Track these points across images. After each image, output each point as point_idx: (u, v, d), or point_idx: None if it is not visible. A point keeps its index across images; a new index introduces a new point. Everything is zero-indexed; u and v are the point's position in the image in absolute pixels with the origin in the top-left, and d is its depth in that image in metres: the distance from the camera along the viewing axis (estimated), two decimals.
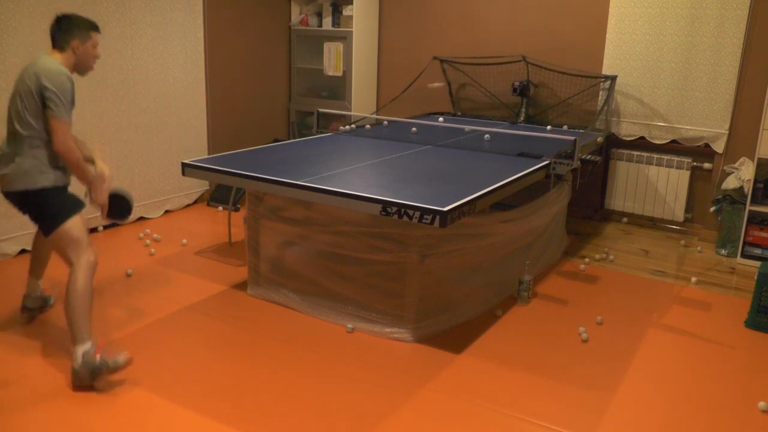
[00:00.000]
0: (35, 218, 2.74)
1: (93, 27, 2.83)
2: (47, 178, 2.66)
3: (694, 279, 4.02)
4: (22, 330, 3.05)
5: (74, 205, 2.72)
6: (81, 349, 2.57)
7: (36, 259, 3.18)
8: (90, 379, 2.55)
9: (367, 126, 4.75)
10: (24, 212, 2.77)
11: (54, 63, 2.65)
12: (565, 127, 4.93)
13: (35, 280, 3.19)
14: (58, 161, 2.69)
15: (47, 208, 2.68)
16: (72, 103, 2.66)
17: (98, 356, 2.58)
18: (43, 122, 2.62)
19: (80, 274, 2.62)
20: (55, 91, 2.58)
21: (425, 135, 4.46)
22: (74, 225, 2.66)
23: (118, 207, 2.98)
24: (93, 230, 4.47)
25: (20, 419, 2.38)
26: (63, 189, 2.75)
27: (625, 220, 5.13)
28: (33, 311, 3.18)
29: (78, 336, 2.58)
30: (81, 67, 2.79)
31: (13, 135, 2.67)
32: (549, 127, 4.86)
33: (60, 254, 2.69)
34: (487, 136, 4.41)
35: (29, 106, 2.61)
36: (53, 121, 2.59)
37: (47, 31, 3.91)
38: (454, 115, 5.52)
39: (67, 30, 2.73)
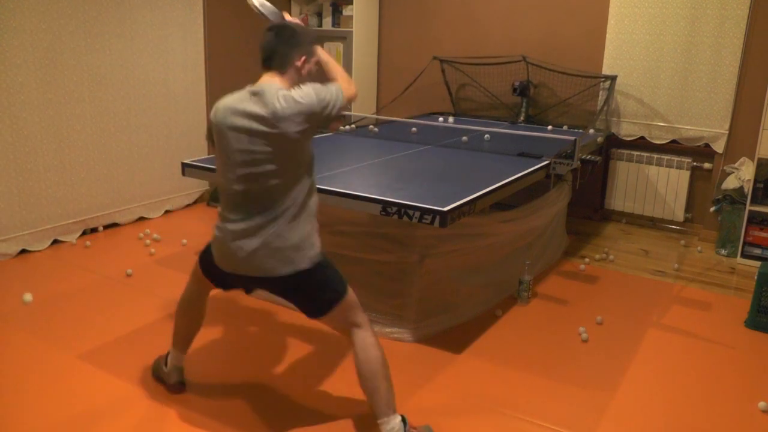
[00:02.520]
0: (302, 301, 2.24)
1: (317, 39, 2.36)
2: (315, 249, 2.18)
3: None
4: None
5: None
6: (395, 421, 2.19)
7: (189, 322, 2.56)
8: None
9: (371, 126, 4.75)
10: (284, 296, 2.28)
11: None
12: (564, 127, 4.93)
13: (181, 354, 2.58)
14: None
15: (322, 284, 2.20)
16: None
17: (417, 426, 2.27)
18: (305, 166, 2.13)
19: (371, 334, 2.25)
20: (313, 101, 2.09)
21: (425, 135, 4.46)
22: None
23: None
24: (93, 230, 4.47)
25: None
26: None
27: (624, 221, 5.13)
28: (184, 384, 2.59)
29: (389, 407, 2.19)
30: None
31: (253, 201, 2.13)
32: (549, 127, 4.87)
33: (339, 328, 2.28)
34: (487, 136, 4.41)
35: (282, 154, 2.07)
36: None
37: (47, 31, 3.97)
38: (453, 115, 5.52)
39: (292, 46, 2.18)
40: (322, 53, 2.37)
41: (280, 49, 2.17)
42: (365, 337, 2.22)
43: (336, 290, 2.20)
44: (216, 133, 2.20)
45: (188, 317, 2.54)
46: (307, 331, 3.13)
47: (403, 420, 2.21)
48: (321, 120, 2.12)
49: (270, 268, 2.14)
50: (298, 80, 2.20)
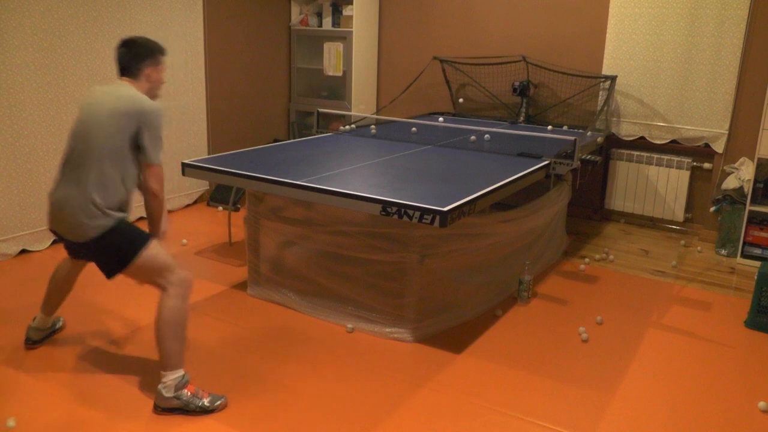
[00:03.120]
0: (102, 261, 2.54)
1: (163, 50, 2.65)
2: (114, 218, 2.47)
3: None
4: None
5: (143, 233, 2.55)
6: (174, 376, 2.43)
7: (55, 293, 2.89)
8: (178, 411, 2.43)
9: (372, 127, 4.75)
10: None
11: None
12: (565, 128, 4.93)
13: (46, 317, 2.90)
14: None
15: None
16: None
17: (193, 391, 2.46)
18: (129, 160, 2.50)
19: (173, 294, 2.45)
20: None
21: (425, 135, 4.46)
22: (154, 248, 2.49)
23: None
24: None
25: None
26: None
27: (622, 220, 5.13)
28: (38, 343, 2.91)
29: (173, 363, 2.43)
30: (153, 95, 2.63)
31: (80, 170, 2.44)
32: (549, 127, 4.87)
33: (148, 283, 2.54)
34: (487, 136, 4.41)
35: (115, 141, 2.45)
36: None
37: (48, 31, 3.96)
38: (453, 115, 5.53)
39: (135, 56, 2.54)
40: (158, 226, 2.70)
41: (132, 60, 2.54)
42: (164, 299, 2.44)
43: (125, 255, 2.46)
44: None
45: (56, 285, 2.88)
46: (307, 331, 3.14)
47: (186, 379, 2.46)
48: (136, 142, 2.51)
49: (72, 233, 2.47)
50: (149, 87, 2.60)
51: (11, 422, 2.34)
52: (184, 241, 4.34)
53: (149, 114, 2.47)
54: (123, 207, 2.54)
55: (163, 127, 2.54)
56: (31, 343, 2.89)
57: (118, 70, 2.57)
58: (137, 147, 2.50)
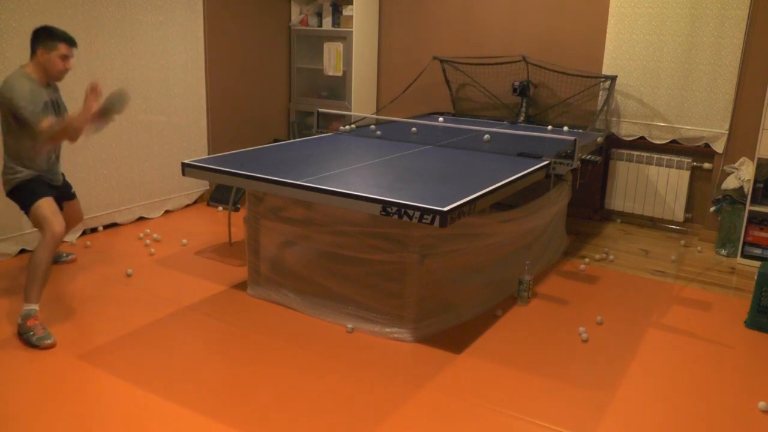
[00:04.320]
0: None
1: (63, 39, 3.11)
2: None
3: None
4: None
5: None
6: (27, 307, 2.97)
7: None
8: (21, 335, 2.94)
9: (372, 126, 4.75)
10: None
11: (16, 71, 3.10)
12: (565, 128, 4.92)
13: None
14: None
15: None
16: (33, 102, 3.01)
17: (32, 324, 2.92)
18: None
19: (50, 241, 3.03)
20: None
21: (425, 135, 4.46)
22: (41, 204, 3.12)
23: (111, 105, 3.14)
24: (93, 230, 4.47)
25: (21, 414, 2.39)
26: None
27: (618, 220, 5.13)
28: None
29: (28, 296, 2.99)
30: (50, 75, 3.15)
31: None
32: (549, 127, 4.87)
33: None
34: (486, 136, 4.40)
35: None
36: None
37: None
38: (453, 115, 5.52)
39: (33, 39, 3.10)
40: (77, 120, 3.05)
41: (31, 42, 3.10)
42: (39, 243, 3.04)
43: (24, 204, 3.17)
44: None
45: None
46: (307, 331, 3.14)
47: (34, 311, 2.98)
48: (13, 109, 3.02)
49: None
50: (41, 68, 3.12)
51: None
52: (184, 241, 4.34)
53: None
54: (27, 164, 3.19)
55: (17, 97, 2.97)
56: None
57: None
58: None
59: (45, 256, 2.99)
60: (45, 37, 3.09)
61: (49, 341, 2.88)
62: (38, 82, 3.10)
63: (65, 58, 3.13)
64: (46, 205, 3.12)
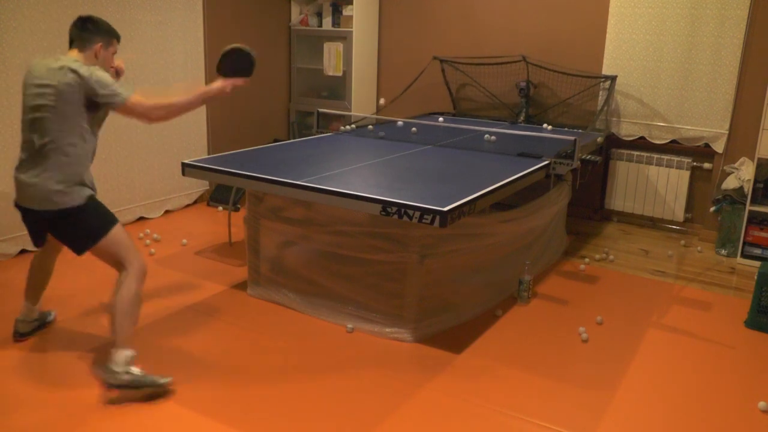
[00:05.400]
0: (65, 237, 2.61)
1: (118, 35, 2.77)
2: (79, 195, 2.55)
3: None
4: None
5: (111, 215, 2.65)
6: (126, 353, 2.51)
7: (35, 280, 2.96)
8: (127, 387, 2.48)
9: (370, 126, 4.75)
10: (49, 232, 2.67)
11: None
12: (548, 127, 4.93)
13: (31, 305, 2.96)
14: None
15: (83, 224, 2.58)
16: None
17: (139, 368, 2.52)
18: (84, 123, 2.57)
19: (132, 278, 2.57)
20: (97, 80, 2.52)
21: (425, 135, 4.46)
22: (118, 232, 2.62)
23: (238, 64, 2.94)
24: None
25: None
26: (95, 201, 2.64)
27: (622, 221, 5.13)
28: (27, 335, 2.95)
29: (124, 340, 2.53)
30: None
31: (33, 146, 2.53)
32: (549, 127, 4.86)
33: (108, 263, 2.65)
34: (486, 136, 4.40)
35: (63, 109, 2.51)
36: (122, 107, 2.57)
37: (47, 31, 3.96)
38: (453, 115, 5.52)
39: (90, 29, 2.67)
40: (211, 87, 2.84)
41: (85, 33, 2.66)
42: (123, 279, 2.57)
43: (92, 233, 2.56)
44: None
45: (35, 273, 2.94)
46: (307, 331, 3.14)
47: (134, 355, 2.54)
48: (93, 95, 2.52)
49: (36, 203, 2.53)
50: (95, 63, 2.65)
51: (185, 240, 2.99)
52: (184, 241, 4.34)
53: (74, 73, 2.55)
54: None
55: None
56: (19, 335, 2.92)
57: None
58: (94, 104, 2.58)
59: (137, 290, 2.57)
60: (106, 29, 2.69)
61: (169, 379, 2.56)
62: None
63: (115, 54, 2.78)
64: (123, 233, 2.64)
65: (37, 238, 2.73)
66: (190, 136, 5.11)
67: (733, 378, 2.85)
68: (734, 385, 2.79)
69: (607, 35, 4.87)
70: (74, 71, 2.50)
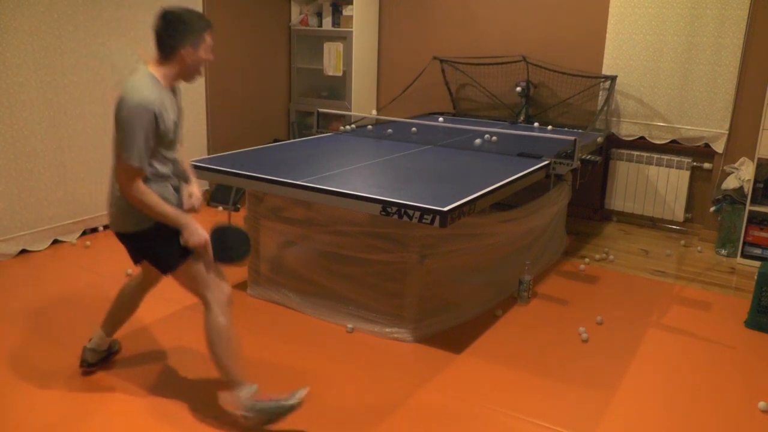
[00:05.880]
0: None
1: (209, 24, 2.31)
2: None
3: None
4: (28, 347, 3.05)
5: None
6: (240, 394, 2.31)
7: (119, 313, 2.69)
8: (267, 423, 2.32)
9: (369, 126, 4.75)
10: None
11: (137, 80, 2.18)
12: (565, 129, 4.93)
13: (105, 336, 2.69)
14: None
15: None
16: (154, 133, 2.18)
17: (269, 399, 2.32)
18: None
19: (216, 310, 2.35)
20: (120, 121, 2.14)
21: (425, 135, 4.46)
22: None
23: (229, 243, 2.41)
24: (93, 230, 4.47)
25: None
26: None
27: (615, 219, 5.13)
28: (95, 365, 2.69)
29: (231, 381, 2.33)
30: (189, 75, 2.30)
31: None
32: (548, 126, 4.86)
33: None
34: (487, 135, 4.40)
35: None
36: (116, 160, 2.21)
37: (47, 31, 3.96)
38: (453, 115, 5.52)
39: (172, 35, 2.21)
40: (182, 220, 2.30)
41: (168, 38, 2.21)
42: (207, 315, 2.37)
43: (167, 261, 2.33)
44: None
45: (122, 303, 2.69)
46: (307, 331, 3.14)
47: (252, 391, 2.33)
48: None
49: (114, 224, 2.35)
50: (182, 69, 2.27)
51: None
52: None
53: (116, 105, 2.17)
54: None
55: (129, 124, 2.13)
56: (87, 365, 2.66)
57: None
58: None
59: (226, 322, 2.35)
60: (190, 29, 2.22)
61: (301, 391, 2.34)
62: (165, 88, 2.25)
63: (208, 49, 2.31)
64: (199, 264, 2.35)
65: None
66: (190, 136, 5.10)
67: (733, 378, 2.85)
68: (734, 385, 2.79)
69: (607, 35, 4.87)
70: None
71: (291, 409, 2.30)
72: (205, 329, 2.35)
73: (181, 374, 2.72)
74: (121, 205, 2.28)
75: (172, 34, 2.21)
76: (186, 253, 2.30)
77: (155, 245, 2.32)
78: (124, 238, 2.37)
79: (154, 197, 2.21)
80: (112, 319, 2.69)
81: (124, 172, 2.17)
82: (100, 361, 2.70)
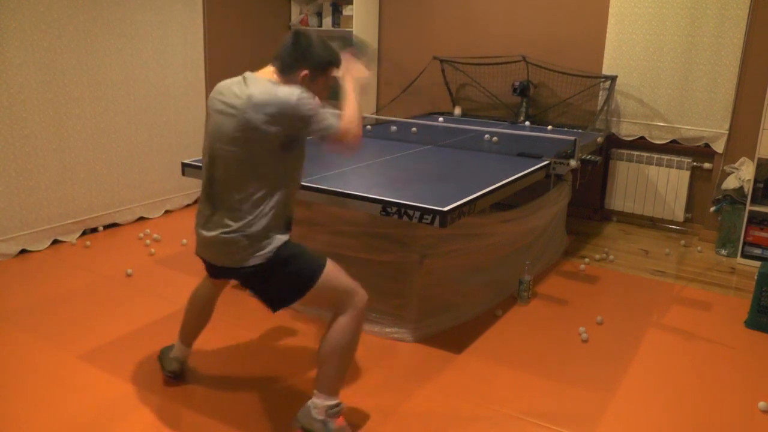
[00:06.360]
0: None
1: (339, 60, 2.26)
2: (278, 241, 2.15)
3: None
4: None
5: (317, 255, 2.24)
6: (328, 402, 2.20)
7: (196, 321, 2.60)
8: None
9: (369, 126, 4.75)
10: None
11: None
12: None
13: (185, 348, 2.63)
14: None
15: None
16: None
17: (342, 424, 2.24)
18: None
19: (351, 319, 2.19)
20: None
21: (425, 135, 4.46)
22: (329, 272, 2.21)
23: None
24: (93, 230, 4.47)
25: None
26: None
27: (615, 219, 5.13)
28: (179, 377, 2.63)
29: (331, 387, 2.21)
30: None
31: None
32: (549, 127, 4.86)
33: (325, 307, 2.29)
34: (487, 136, 4.40)
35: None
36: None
37: (47, 31, 3.96)
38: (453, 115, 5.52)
39: (301, 54, 2.17)
40: (348, 85, 2.28)
41: (290, 56, 2.17)
42: (339, 320, 2.19)
43: (297, 284, 2.17)
44: (207, 116, 2.25)
45: (195, 311, 2.59)
46: (307, 331, 3.14)
47: (338, 408, 2.21)
48: (300, 128, 2.09)
49: (224, 259, 2.17)
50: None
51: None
52: (184, 241, 4.34)
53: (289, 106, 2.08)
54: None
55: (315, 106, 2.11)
56: (172, 376, 2.60)
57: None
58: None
59: (357, 332, 2.19)
60: (320, 57, 2.19)
61: None
62: None
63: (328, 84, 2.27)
64: (335, 268, 2.24)
65: None
66: (190, 136, 5.11)
67: (733, 378, 2.85)
68: (734, 385, 2.79)
69: (607, 35, 4.87)
70: None
71: None
72: (341, 332, 2.16)
73: (193, 375, 2.72)
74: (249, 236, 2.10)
75: (299, 53, 2.17)
76: (318, 271, 2.16)
77: (293, 268, 2.15)
78: (234, 272, 2.17)
79: (355, 107, 2.19)
80: (188, 330, 2.61)
81: (343, 138, 2.12)
82: (182, 370, 2.64)
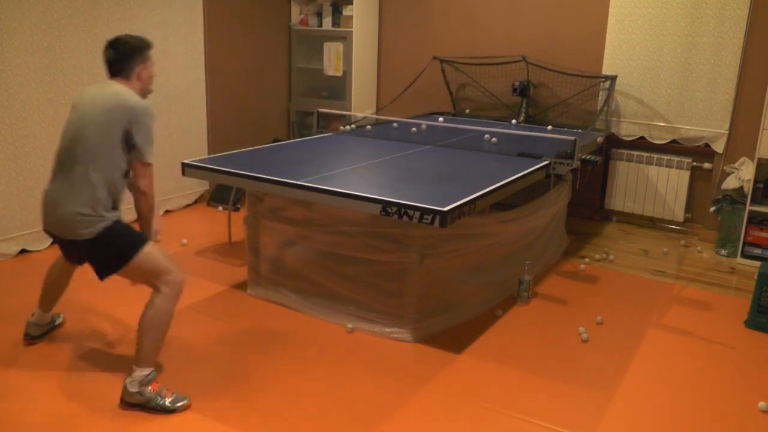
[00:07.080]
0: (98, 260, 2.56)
1: (150, 44, 2.61)
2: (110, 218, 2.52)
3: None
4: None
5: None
6: (143, 372, 2.45)
7: (50, 291, 2.92)
8: (141, 406, 2.45)
9: (368, 126, 4.75)
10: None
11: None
12: (565, 129, 4.93)
13: (43, 313, 2.95)
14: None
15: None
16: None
17: (156, 389, 2.47)
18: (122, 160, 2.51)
19: (165, 298, 2.48)
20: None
21: (425, 135, 4.46)
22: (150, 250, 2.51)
23: None
24: None
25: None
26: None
27: (615, 219, 5.13)
28: (37, 339, 2.94)
29: (147, 359, 2.47)
30: (144, 93, 2.60)
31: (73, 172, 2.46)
32: (549, 127, 4.86)
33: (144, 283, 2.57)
34: (486, 136, 4.40)
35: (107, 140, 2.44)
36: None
37: (48, 31, 3.96)
38: (453, 115, 5.52)
39: (124, 57, 2.52)
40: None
41: (122, 60, 2.53)
42: (155, 300, 2.48)
43: (121, 255, 2.49)
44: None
45: (51, 281, 2.90)
46: (307, 331, 3.14)
47: (152, 376, 2.47)
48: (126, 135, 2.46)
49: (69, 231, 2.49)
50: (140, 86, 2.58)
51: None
52: (184, 241, 4.34)
53: (139, 111, 2.46)
54: (116, 205, 2.60)
55: (152, 126, 2.51)
56: (30, 338, 2.92)
57: (108, 72, 2.56)
58: (129, 145, 2.49)
59: (170, 310, 2.50)
60: (139, 49, 2.55)
61: (185, 401, 2.47)
62: None
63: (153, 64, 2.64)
64: (155, 249, 2.53)
65: None
66: (190, 136, 5.11)
67: (733, 378, 2.85)
68: (734, 385, 2.79)
69: (607, 35, 4.87)
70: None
71: (165, 411, 2.44)
72: (154, 308, 2.46)
73: (180, 374, 2.71)
74: (84, 212, 2.44)
75: (123, 58, 2.53)
76: (136, 247, 2.49)
77: (115, 242, 2.51)
78: (77, 245, 2.51)
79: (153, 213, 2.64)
80: (46, 298, 2.92)
81: (148, 170, 2.55)
82: (44, 334, 2.96)
